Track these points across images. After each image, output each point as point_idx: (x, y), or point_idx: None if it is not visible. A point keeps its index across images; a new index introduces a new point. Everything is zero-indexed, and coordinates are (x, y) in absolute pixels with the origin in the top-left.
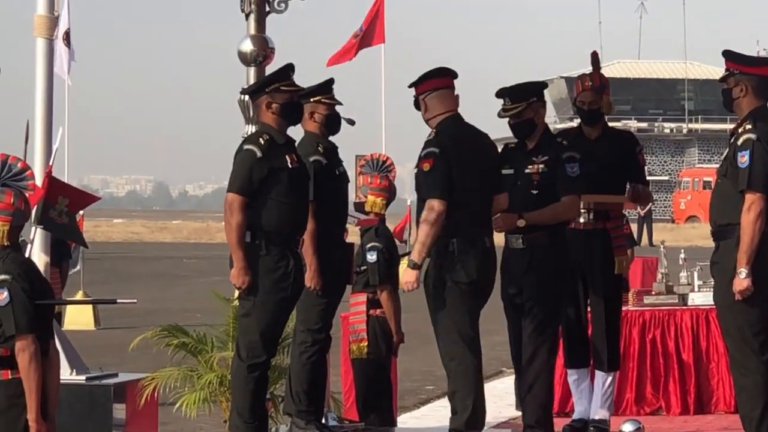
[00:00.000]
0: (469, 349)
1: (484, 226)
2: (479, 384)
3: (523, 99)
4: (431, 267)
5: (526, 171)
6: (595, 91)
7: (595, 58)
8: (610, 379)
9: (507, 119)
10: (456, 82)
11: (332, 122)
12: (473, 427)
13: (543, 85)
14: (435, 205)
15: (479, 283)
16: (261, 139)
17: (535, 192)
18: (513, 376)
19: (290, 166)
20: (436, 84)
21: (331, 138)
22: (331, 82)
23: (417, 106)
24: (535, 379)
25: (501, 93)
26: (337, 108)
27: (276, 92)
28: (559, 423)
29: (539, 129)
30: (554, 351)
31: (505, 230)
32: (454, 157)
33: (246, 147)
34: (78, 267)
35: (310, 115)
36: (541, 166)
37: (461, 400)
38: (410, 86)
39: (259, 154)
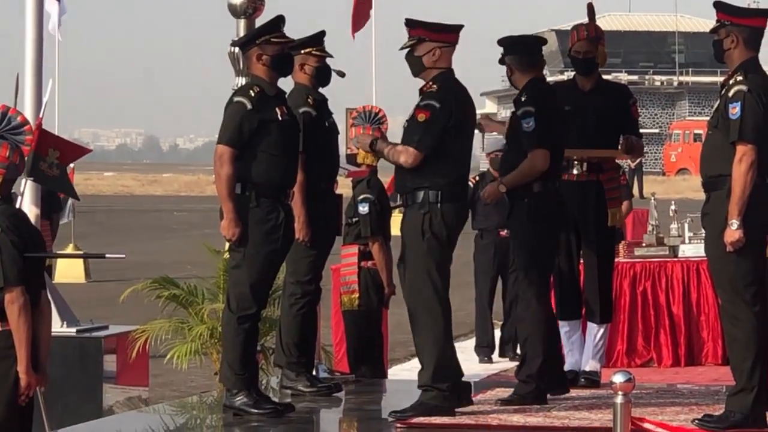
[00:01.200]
0: (443, 300)
1: (465, 186)
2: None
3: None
4: (409, 215)
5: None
6: (590, 41)
7: (591, 9)
8: (602, 330)
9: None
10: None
11: (322, 74)
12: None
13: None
14: (411, 154)
15: (453, 238)
16: (251, 91)
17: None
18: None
19: (280, 118)
20: (450, 39)
21: (321, 90)
22: (322, 34)
23: (410, 47)
24: (518, 328)
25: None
26: (328, 60)
27: (266, 44)
28: None
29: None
30: (541, 299)
31: (493, 199)
32: (454, 116)
33: (236, 99)
34: (68, 218)
35: (300, 67)
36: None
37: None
38: (422, 27)
39: (249, 106)
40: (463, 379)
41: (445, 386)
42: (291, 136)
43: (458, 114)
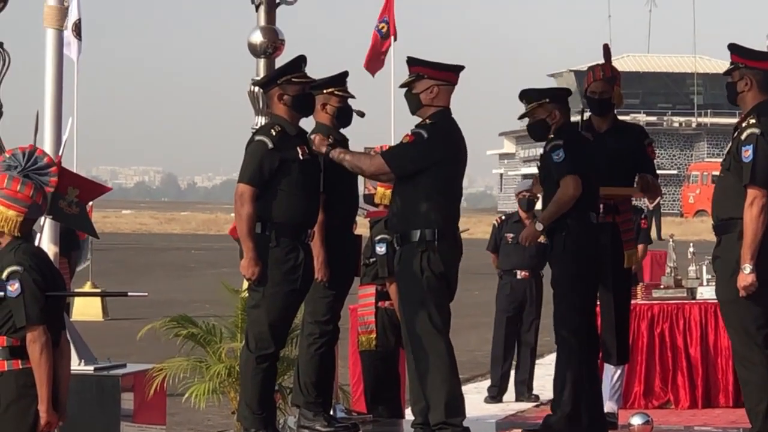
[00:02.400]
0: (445, 337)
1: (457, 226)
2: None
3: (535, 99)
4: (406, 254)
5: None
6: (606, 82)
7: (606, 50)
8: (619, 372)
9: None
10: (463, 76)
11: (344, 115)
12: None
13: (560, 90)
14: (381, 168)
15: (452, 275)
16: (273, 131)
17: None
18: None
19: (301, 157)
20: (450, 78)
21: (342, 130)
22: (345, 74)
23: (409, 84)
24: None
25: (520, 94)
26: (349, 101)
27: (288, 84)
28: None
29: (554, 128)
30: (573, 348)
31: (532, 240)
32: (445, 149)
33: (257, 138)
34: (88, 261)
35: (323, 107)
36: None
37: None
38: (422, 65)
39: (270, 145)
40: (478, 419)
41: (459, 421)
42: (312, 176)
43: (449, 150)
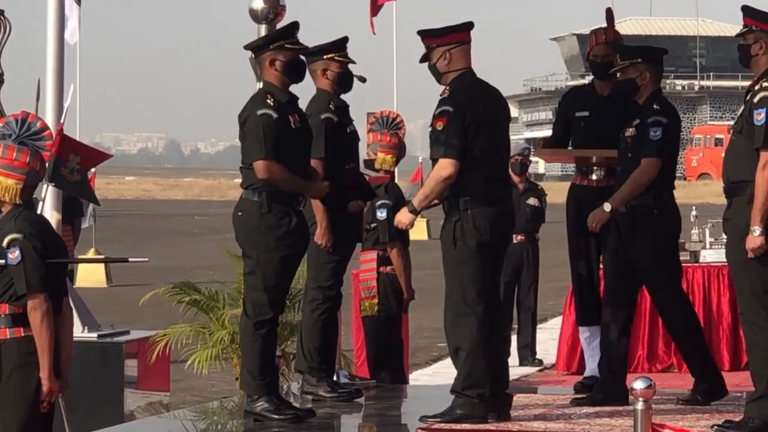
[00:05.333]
0: (478, 309)
1: (500, 186)
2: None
3: (628, 57)
4: (444, 225)
5: (625, 134)
6: (608, 45)
7: (609, 14)
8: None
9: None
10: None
11: (344, 80)
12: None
13: (654, 51)
14: (446, 165)
15: (490, 243)
16: (268, 101)
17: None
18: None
19: (293, 126)
20: (460, 38)
21: (343, 96)
22: (345, 40)
23: (426, 58)
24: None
25: (616, 49)
26: (350, 66)
27: (280, 50)
28: (570, 380)
29: (643, 91)
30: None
31: (600, 224)
32: (469, 115)
33: (261, 112)
34: (88, 223)
35: (323, 72)
36: (632, 129)
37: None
38: (430, 36)
39: (275, 115)
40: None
41: (475, 394)
42: (303, 143)
43: (473, 112)
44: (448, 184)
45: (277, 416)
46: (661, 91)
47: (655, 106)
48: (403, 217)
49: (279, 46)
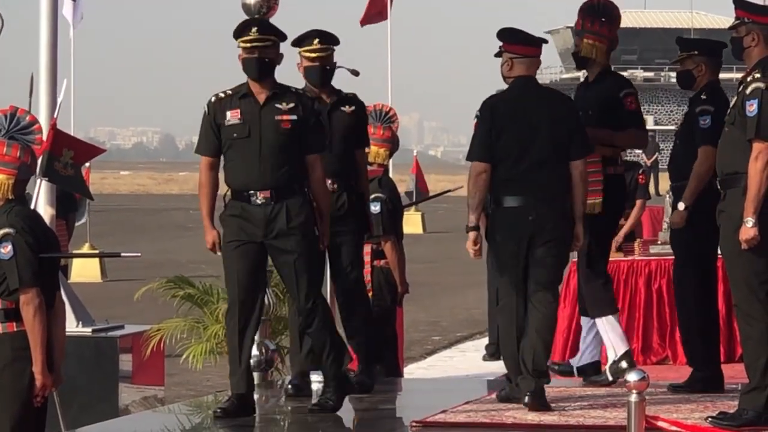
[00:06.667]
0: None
1: (520, 188)
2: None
3: (685, 49)
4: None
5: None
6: (577, 35)
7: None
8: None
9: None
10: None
11: (314, 74)
12: None
13: (712, 43)
14: (473, 167)
15: (508, 244)
16: (220, 93)
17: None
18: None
19: (228, 121)
20: (524, 51)
21: (338, 88)
22: (310, 34)
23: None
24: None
25: (676, 40)
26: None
27: (240, 48)
28: None
29: (699, 82)
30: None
31: (682, 223)
32: (492, 118)
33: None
34: (84, 219)
35: (298, 66)
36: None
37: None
38: (505, 42)
39: (206, 110)
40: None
41: (507, 376)
42: (248, 137)
43: (496, 117)
44: (480, 184)
45: None
46: (717, 82)
47: (702, 96)
48: (467, 242)
49: (239, 45)
